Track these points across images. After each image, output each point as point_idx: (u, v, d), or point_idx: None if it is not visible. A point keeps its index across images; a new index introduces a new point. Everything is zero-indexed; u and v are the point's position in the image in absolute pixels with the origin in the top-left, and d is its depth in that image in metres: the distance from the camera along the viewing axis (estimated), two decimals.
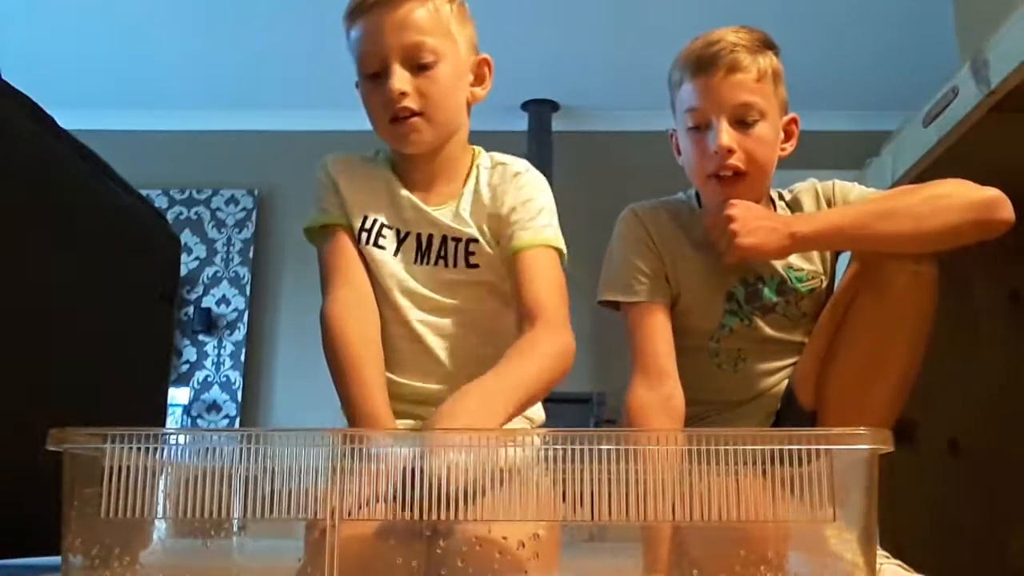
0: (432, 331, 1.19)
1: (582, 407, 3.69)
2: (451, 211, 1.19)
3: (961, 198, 1.19)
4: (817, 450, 0.67)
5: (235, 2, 3.57)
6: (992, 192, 1.19)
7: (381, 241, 1.20)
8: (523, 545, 0.71)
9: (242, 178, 4.43)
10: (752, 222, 1.22)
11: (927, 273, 1.19)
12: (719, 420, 1.34)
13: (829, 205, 1.35)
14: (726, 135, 1.25)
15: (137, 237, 1.52)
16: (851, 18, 3.64)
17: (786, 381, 1.34)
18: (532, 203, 1.18)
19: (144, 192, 1.64)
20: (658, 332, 1.30)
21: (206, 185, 4.47)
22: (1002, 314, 1.73)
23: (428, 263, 1.19)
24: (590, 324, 4.47)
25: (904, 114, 1.79)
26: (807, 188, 1.38)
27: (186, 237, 4.33)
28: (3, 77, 1.18)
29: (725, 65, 1.25)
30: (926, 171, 1.60)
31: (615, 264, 1.36)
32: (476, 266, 1.18)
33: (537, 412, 1.27)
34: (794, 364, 1.34)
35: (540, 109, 4.35)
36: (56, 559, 0.73)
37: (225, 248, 4.42)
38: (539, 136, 4.30)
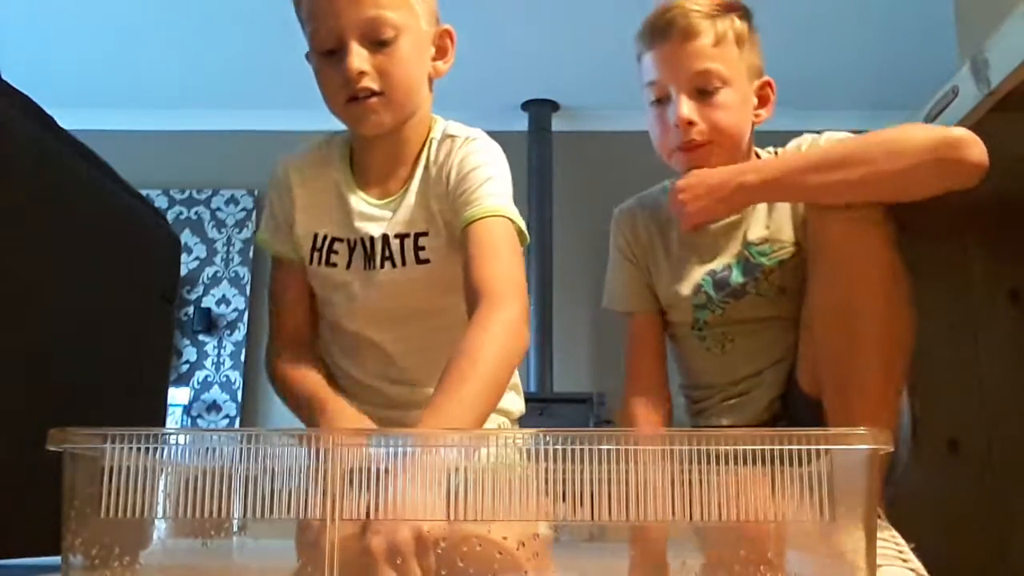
0: (391, 339, 1.17)
1: (582, 407, 3.69)
2: (399, 203, 1.13)
3: (918, 139, 1.08)
4: (817, 450, 0.67)
5: (235, 2, 3.57)
6: (957, 131, 1.08)
7: (333, 258, 1.16)
8: (523, 545, 0.71)
9: (242, 178, 4.43)
10: (699, 188, 1.18)
11: (863, 217, 1.09)
12: (721, 409, 1.33)
13: None
14: (685, 107, 1.20)
15: (137, 237, 1.52)
16: (851, 18, 3.64)
17: (783, 360, 1.29)
18: (477, 172, 1.10)
19: (144, 192, 1.64)
20: (646, 340, 1.33)
21: (206, 185, 4.47)
22: (1002, 314, 1.73)
23: (374, 267, 1.14)
24: (590, 325, 4.49)
25: (904, 114, 1.79)
26: (794, 145, 1.31)
27: (186, 237, 4.34)
28: (3, 77, 1.17)
29: (679, 32, 1.20)
30: None
31: (607, 273, 1.39)
32: (427, 262, 1.12)
33: (516, 404, 1.26)
34: (789, 341, 1.28)
35: (540, 109, 4.35)
36: (56, 559, 0.73)
37: (225, 248, 4.42)
38: (539, 136, 4.30)
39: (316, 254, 1.16)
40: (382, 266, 1.13)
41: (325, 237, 1.16)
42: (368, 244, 1.14)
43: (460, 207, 1.09)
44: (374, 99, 1.07)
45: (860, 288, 1.09)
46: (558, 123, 4.37)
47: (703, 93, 1.20)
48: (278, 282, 1.21)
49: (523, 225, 1.12)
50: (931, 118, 1.58)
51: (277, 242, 1.20)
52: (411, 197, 1.13)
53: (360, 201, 1.15)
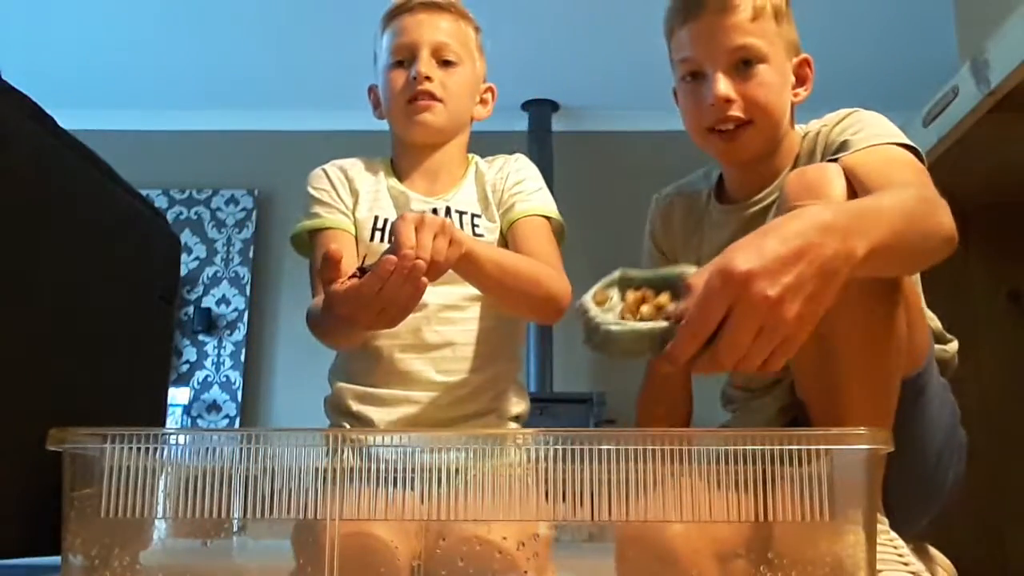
0: (437, 306, 1.19)
1: (582, 407, 3.69)
2: (454, 193, 1.28)
3: (944, 231, 0.91)
4: (817, 450, 0.67)
5: (235, 3, 3.57)
6: (951, 227, 0.91)
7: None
8: (523, 545, 0.71)
9: (242, 178, 4.43)
10: (786, 291, 0.73)
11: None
12: (743, 410, 1.26)
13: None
14: (722, 84, 1.13)
15: (137, 237, 1.52)
16: (851, 18, 3.64)
17: None
18: (531, 180, 1.29)
19: (144, 192, 1.63)
20: None
21: (206, 185, 4.46)
22: (1002, 314, 1.73)
23: None
24: None
25: (904, 114, 1.79)
26: (810, 140, 1.18)
27: (186, 237, 4.33)
28: (3, 77, 1.17)
29: (716, 5, 1.14)
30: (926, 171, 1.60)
31: (642, 260, 1.35)
32: (481, 236, 1.25)
33: (520, 407, 1.26)
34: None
35: (540, 109, 4.34)
36: (56, 559, 0.73)
37: (225, 248, 4.41)
38: (539, 136, 4.30)
39: (378, 233, 1.26)
40: None
41: (386, 220, 1.26)
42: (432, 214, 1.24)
43: (514, 204, 1.26)
44: (433, 102, 1.25)
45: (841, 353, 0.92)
46: (558, 123, 4.37)
47: (741, 70, 1.14)
48: (329, 245, 1.15)
49: (564, 229, 1.30)
50: (931, 118, 1.58)
51: (332, 220, 1.26)
52: (466, 189, 1.29)
53: (415, 193, 1.28)
